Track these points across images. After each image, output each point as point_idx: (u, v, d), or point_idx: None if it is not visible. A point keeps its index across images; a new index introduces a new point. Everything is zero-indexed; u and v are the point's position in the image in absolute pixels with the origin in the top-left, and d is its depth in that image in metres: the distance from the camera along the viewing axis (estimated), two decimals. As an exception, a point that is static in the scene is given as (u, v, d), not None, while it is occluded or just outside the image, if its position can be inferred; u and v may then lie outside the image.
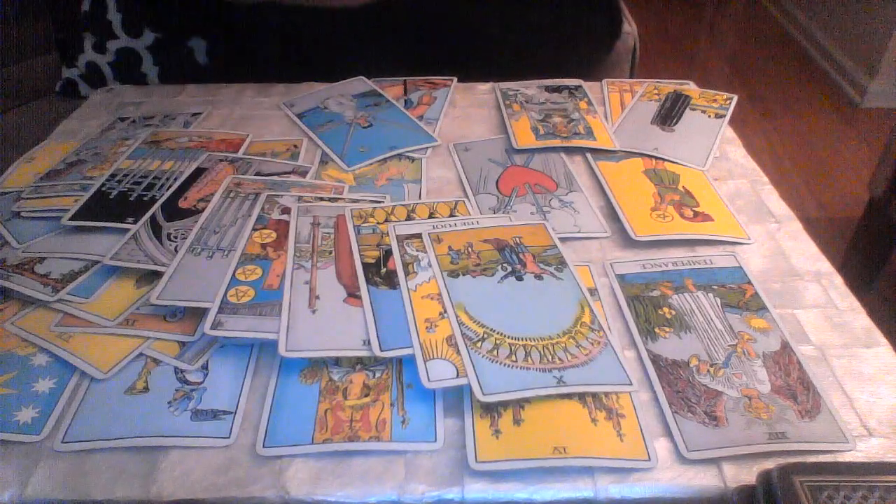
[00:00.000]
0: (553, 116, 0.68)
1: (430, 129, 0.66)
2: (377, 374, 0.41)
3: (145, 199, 0.55)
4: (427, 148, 0.64)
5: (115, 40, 0.80)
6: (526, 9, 0.80)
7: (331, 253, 0.49)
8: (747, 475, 0.36)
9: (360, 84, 0.74)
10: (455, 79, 0.76)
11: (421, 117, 0.68)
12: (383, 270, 0.47)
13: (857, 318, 0.46)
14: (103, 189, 0.56)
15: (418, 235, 0.50)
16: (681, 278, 0.48)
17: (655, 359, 0.42)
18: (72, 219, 0.52)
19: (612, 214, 0.55)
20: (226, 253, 0.49)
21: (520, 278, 0.46)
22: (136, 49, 0.81)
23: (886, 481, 0.31)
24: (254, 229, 0.51)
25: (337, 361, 0.42)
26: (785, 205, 0.57)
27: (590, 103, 0.70)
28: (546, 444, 0.37)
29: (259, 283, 0.46)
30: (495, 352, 0.41)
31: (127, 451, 0.37)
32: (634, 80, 0.77)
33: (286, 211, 0.53)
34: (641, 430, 0.38)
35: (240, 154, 0.63)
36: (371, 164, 0.62)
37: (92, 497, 0.35)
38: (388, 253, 0.49)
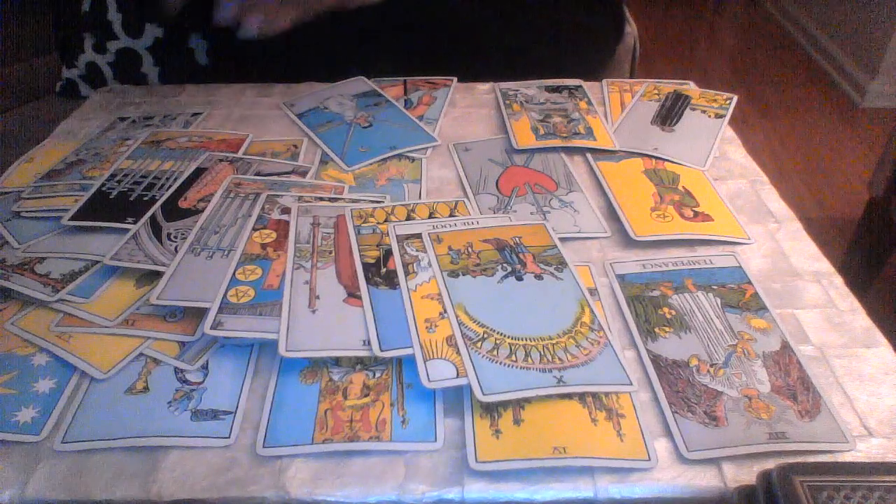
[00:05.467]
0: (553, 116, 0.68)
1: (430, 129, 0.67)
2: (377, 374, 0.41)
3: (145, 199, 0.55)
4: (427, 148, 0.64)
5: (115, 41, 0.80)
6: (527, 10, 0.80)
7: (331, 253, 0.49)
8: (747, 475, 0.36)
9: (360, 84, 0.74)
10: (455, 79, 0.76)
11: (421, 117, 0.68)
12: (383, 270, 0.47)
13: (857, 318, 0.46)
14: (103, 189, 0.56)
15: (418, 235, 0.50)
16: (681, 278, 0.48)
17: (655, 359, 0.42)
18: (72, 219, 0.52)
19: (612, 214, 0.55)
20: (226, 253, 0.49)
21: (520, 278, 0.47)
22: (136, 49, 0.81)
23: (886, 481, 0.31)
24: (254, 229, 0.51)
25: (337, 361, 0.42)
26: (785, 205, 0.57)
27: (590, 103, 0.70)
28: (546, 444, 0.37)
29: (259, 283, 0.46)
30: (495, 352, 0.41)
31: (127, 451, 0.37)
32: (634, 80, 0.77)
33: (286, 211, 0.53)
34: (641, 430, 0.38)
35: (240, 154, 0.63)
36: (371, 164, 0.62)
37: (92, 497, 0.35)
38: (388, 253, 0.49)
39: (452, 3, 0.77)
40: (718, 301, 0.46)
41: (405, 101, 0.72)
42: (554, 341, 0.42)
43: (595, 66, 0.86)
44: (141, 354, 0.43)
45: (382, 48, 0.78)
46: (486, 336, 0.42)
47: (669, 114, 0.68)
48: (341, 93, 0.73)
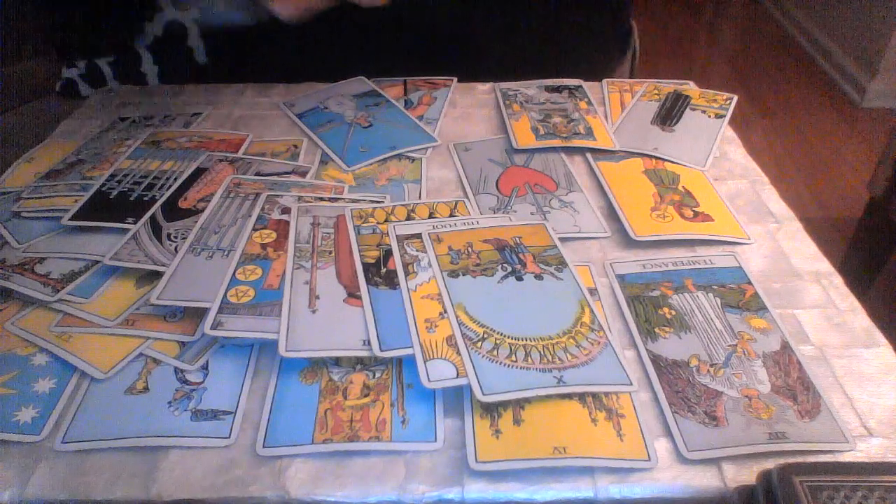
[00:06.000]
0: (553, 116, 0.68)
1: (430, 129, 0.67)
2: (377, 374, 0.41)
3: (145, 199, 0.55)
4: (427, 148, 0.64)
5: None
6: (529, 14, 0.80)
7: (331, 253, 0.49)
8: (747, 475, 0.36)
9: (360, 84, 0.74)
10: (455, 79, 0.76)
11: (421, 117, 0.68)
12: (383, 270, 0.47)
13: (857, 318, 0.46)
14: (103, 189, 0.56)
15: (418, 235, 0.50)
16: (681, 278, 0.48)
17: (655, 359, 0.42)
18: (72, 219, 0.52)
19: (612, 214, 0.55)
20: (226, 253, 0.49)
21: (520, 278, 0.47)
22: (136, 48, 0.81)
23: (886, 481, 0.31)
24: (254, 229, 0.51)
25: (337, 361, 0.42)
26: (785, 205, 0.57)
27: (590, 103, 0.70)
28: (546, 444, 0.37)
29: (259, 283, 0.46)
30: (495, 352, 0.41)
31: (127, 451, 0.37)
32: (634, 80, 0.77)
33: (286, 211, 0.53)
34: (641, 430, 0.38)
35: (240, 154, 0.63)
36: (371, 164, 0.62)
37: (92, 497, 0.35)
38: (389, 253, 0.49)
39: (455, 6, 0.77)
40: (718, 301, 0.46)
41: (405, 101, 0.72)
42: (554, 341, 0.42)
43: (594, 65, 0.86)
44: (141, 354, 0.43)
45: (382, 48, 0.78)
46: (486, 336, 0.42)
47: (669, 114, 0.68)
48: (341, 93, 0.73)
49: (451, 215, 0.53)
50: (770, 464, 0.33)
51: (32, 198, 0.56)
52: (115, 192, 0.56)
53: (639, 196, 0.57)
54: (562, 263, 0.48)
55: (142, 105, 0.73)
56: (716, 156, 0.63)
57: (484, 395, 0.38)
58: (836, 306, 0.47)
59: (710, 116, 0.68)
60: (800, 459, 0.36)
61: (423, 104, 0.71)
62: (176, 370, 0.42)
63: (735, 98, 0.71)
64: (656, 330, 0.44)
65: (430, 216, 0.53)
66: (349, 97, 0.72)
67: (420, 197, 0.57)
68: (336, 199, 0.56)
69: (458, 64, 0.76)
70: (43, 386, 0.41)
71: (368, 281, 0.46)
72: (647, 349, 0.43)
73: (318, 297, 0.45)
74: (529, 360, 0.40)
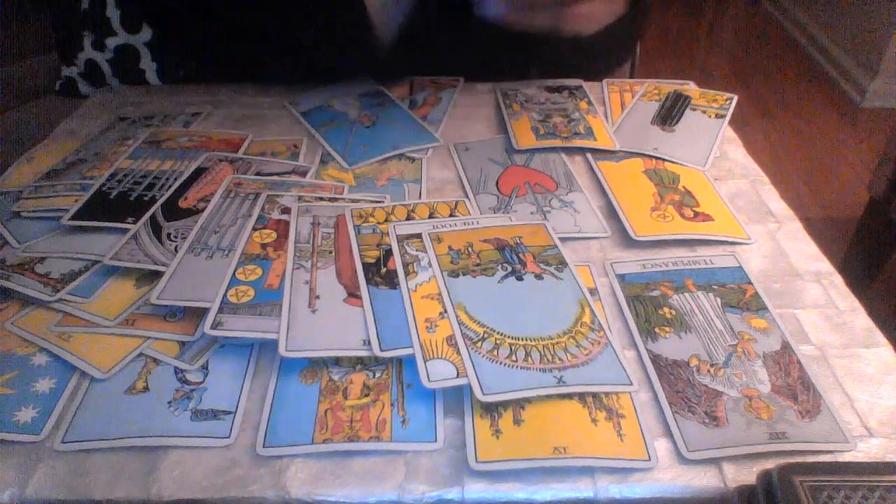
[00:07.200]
0: (553, 116, 0.68)
1: (432, 129, 0.67)
2: (377, 374, 0.41)
3: (145, 198, 0.55)
4: (429, 148, 0.64)
5: (114, 37, 0.80)
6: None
7: (331, 253, 0.49)
8: (747, 475, 0.36)
9: (365, 83, 0.74)
10: (461, 79, 0.76)
11: (425, 117, 0.69)
12: (383, 270, 0.47)
13: (857, 318, 0.46)
14: (103, 189, 0.56)
15: (418, 235, 0.50)
16: (681, 278, 0.48)
17: (655, 359, 0.42)
18: (72, 219, 0.52)
19: (612, 214, 0.55)
20: (226, 253, 0.49)
21: (520, 278, 0.46)
22: (135, 45, 0.81)
23: (886, 481, 0.31)
24: (254, 229, 0.51)
25: (337, 361, 0.42)
26: (785, 205, 0.57)
27: (590, 103, 0.70)
28: (546, 444, 0.37)
29: (259, 283, 0.46)
30: (495, 352, 0.41)
31: (127, 451, 0.37)
32: (634, 80, 0.77)
33: (286, 211, 0.53)
34: (641, 430, 0.38)
35: (240, 154, 0.63)
36: (372, 162, 0.62)
37: (92, 497, 0.35)
38: (389, 253, 0.49)
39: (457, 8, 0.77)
40: (718, 301, 0.46)
41: (410, 100, 0.72)
42: (554, 341, 0.42)
43: (594, 65, 0.86)
44: (141, 354, 0.43)
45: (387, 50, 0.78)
46: (486, 336, 0.42)
47: (669, 114, 0.68)
48: (346, 92, 0.73)
49: (451, 215, 0.53)
50: (770, 464, 0.33)
51: (32, 198, 0.56)
52: (115, 192, 0.56)
53: (639, 196, 0.57)
54: (562, 263, 0.48)
55: (142, 105, 0.73)
56: (716, 156, 0.63)
57: (484, 395, 0.38)
58: (836, 306, 0.47)
59: (710, 116, 0.68)
60: (800, 459, 0.36)
61: (428, 104, 0.71)
62: (176, 370, 0.42)
63: (735, 98, 0.71)
64: (656, 330, 0.44)
65: (431, 216, 0.53)
66: (354, 96, 0.72)
67: (420, 197, 0.57)
68: (336, 199, 0.56)
69: (458, 63, 0.76)
70: (43, 386, 0.41)
71: (368, 281, 0.46)
72: (647, 349, 0.43)
73: (318, 297, 0.45)
74: (529, 360, 0.40)
